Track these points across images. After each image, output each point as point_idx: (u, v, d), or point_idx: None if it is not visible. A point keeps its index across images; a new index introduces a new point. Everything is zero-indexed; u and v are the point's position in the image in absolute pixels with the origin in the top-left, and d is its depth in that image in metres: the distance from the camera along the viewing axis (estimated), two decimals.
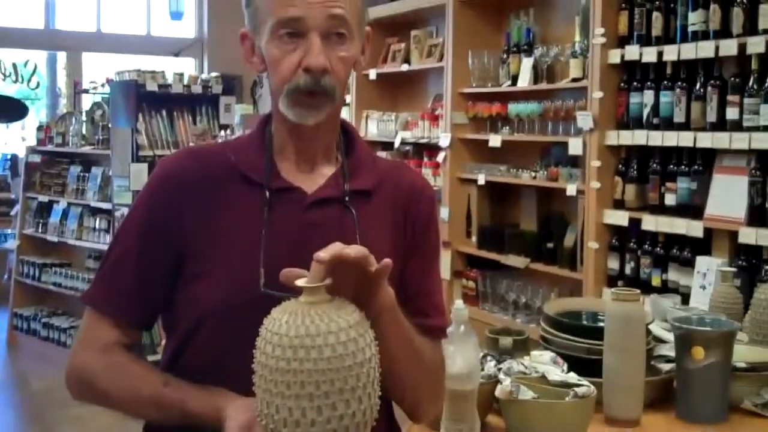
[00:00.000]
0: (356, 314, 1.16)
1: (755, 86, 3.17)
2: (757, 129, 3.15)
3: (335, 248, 1.16)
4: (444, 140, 4.91)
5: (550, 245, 4.31)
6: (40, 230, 6.63)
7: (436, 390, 1.48)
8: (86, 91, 7.41)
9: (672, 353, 2.04)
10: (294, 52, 1.34)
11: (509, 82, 4.58)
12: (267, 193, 1.39)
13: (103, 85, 6.94)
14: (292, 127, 1.41)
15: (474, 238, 4.84)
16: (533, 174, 4.42)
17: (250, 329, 1.25)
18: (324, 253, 1.14)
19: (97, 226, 6.17)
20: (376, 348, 1.16)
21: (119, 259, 1.43)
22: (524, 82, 4.45)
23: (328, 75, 1.35)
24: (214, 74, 6.44)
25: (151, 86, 5.87)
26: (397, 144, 5.47)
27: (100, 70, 7.79)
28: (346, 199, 1.42)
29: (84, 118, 6.58)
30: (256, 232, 1.37)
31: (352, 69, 1.44)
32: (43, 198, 6.63)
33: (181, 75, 6.13)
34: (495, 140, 4.60)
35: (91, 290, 1.46)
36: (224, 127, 6.05)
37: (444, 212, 4.90)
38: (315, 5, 1.33)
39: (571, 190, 4.06)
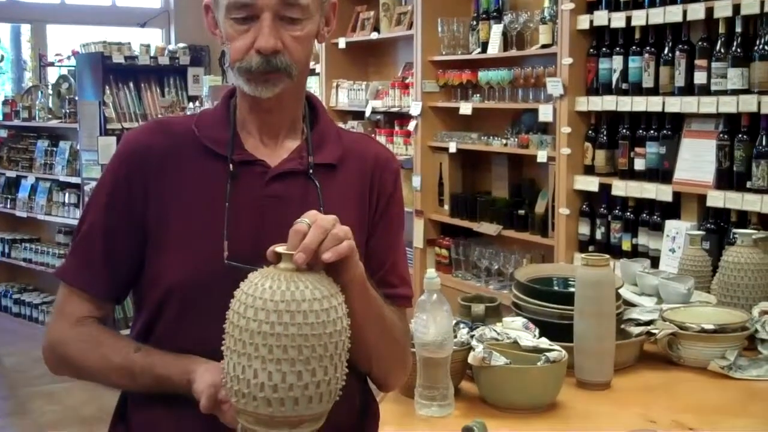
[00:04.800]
0: (334, 284, 1.18)
1: (722, 50, 3.18)
2: (724, 93, 3.17)
3: (312, 215, 1.18)
4: (415, 109, 4.90)
5: (521, 212, 4.33)
6: (8, 206, 6.56)
7: (404, 359, 1.51)
8: (52, 64, 7.29)
9: (642, 317, 2.07)
10: (247, 32, 1.35)
11: (479, 50, 4.57)
12: (230, 166, 1.39)
13: (68, 58, 6.83)
14: (252, 101, 1.41)
15: (446, 207, 4.85)
16: (504, 141, 4.43)
17: (215, 302, 1.25)
18: (302, 224, 1.16)
19: (66, 201, 6.11)
20: (348, 319, 1.17)
21: (87, 233, 1.44)
22: (494, 49, 4.44)
23: (280, 55, 1.35)
24: (181, 45, 6.36)
25: (118, 58, 5.80)
26: (368, 113, 5.45)
27: (66, 42, 7.66)
28: (310, 171, 1.42)
29: (50, 91, 6.49)
30: (219, 205, 1.37)
31: (315, 41, 1.43)
32: (11, 173, 6.55)
33: (148, 46, 6.06)
34: (466, 108, 4.59)
35: (64, 264, 1.47)
36: (193, 98, 5.99)
37: (416, 181, 4.90)
38: None
39: (541, 156, 4.07)
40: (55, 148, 6.26)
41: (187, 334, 1.38)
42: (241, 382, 1.13)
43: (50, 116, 6.38)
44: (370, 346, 1.36)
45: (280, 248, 1.18)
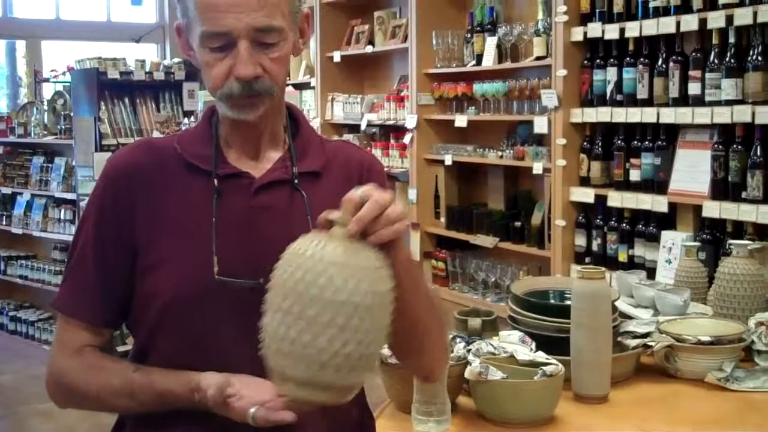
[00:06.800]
0: (382, 257, 1.18)
1: (716, 61, 3.19)
2: (718, 103, 3.17)
3: (369, 189, 1.19)
4: (410, 121, 4.90)
5: (517, 224, 4.33)
6: (4, 222, 6.54)
7: (447, 342, 1.54)
8: (47, 80, 7.29)
9: (638, 329, 2.06)
10: (224, 60, 1.34)
11: (474, 62, 4.58)
12: (215, 181, 1.39)
13: (64, 74, 6.82)
14: (233, 122, 1.41)
15: (442, 219, 4.85)
16: (500, 153, 4.43)
17: (208, 317, 1.24)
18: (356, 194, 1.18)
19: (62, 217, 6.10)
20: (394, 293, 1.18)
21: (79, 260, 1.43)
22: (489, 61, 4.45)
23: (261, 79, 1.35)
24: (176, 60, 6.36)
25: (113, 74, 5.80)
26: (363, 126, 5.45)
27: (61, 58, 7.67)
28: (295, 180, 1.42)
29: (45, 107, 6.49)
30: (206, 220, 1.37)
31: (291, 55, 1.43)
32: (6, 190, 6.53)
33: (143, 62, 6.06)
34: (461, 120, 4.60)
35: (58, 294, 1.46)
36: (188, 113, 5.99)
37: (412, 193, 4.90)
38: (241, 18, 1.31)
39: (537, 168, 4.08)
40: (50, 165, 6.25)
41: (184, 351, 1.37)
42: (284, 342, 1.12)
43: (45, 132, 6.37)
44: (421, 323, 1.36)
45: (334, 215, 1.18)
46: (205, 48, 1.35)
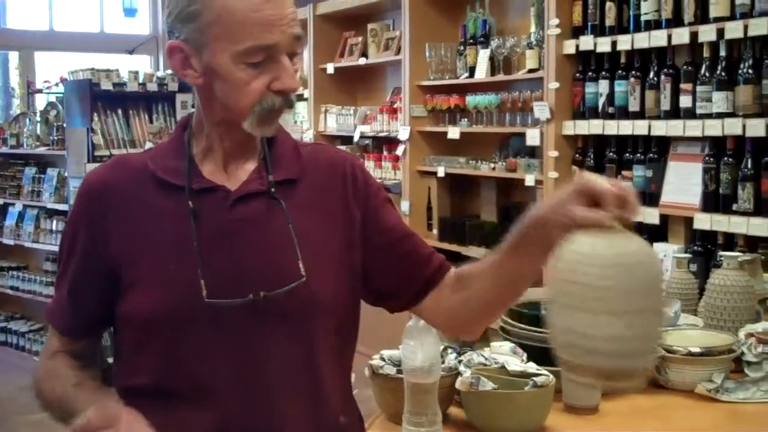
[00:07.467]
0: None
1: (707, 74, 3.21)
2: (709, 116, 3.19)
3: (602, 180, 1.21)
4: (403, 133, 4.91)
5: None
6: None
7: None
8: (40, 91, 7.29)
9: None
10: (261, 74, 1.32)
11: (467, 74, 4.59)
12: (189, 200, 1.36)
13: (57, 85, 6.83)
14: (232, 133, 1.38)
15: (435, 231, 4.86)
16: (492, 165, 4.45)
17: (196, 341, 1.24)
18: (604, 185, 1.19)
19: (54, 228, 6.07)
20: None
21: (60, 272, 1.47)
22: (481, 73, 4.47)
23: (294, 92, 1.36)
24: (169, 71, 6.36)
25: (106, 85, 5.79)
26: (356, 138, 5.46)
27: (54, 69, 7.67)
28: (272, 190, 1.40)
29: (38, 118, 6.47)
30: (184, 237, 1.34)
31: None
32: None
33: (136, 73, 6.05)
34: (454, 132, 4.61)
35: (50, 302, 1.51)
36: None
37: (405, 205, 4.90)
38: (285, 31, 1.31)
39: (529, 180, 4.09)
40: (42, 175, 6.23)
41: (173, 372, 1.35)
42: (581, 338, 1.15)
43: (38, 143, 6.36)
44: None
45: (598, 213, 1.21)
46: (239, 64, 1.31)
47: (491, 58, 4.43)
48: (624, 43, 3.53)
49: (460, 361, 1.82)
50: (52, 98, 6.84)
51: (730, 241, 3.16)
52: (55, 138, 6.14)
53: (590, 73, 3.74)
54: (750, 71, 3.07)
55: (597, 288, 1.14)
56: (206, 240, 1.35)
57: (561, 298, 1.18)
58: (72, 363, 1.45)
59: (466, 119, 4.64)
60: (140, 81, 5.98)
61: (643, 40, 3.45)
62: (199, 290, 1.31)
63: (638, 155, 3.55)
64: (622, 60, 3.59)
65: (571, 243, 1.19)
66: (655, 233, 3.51)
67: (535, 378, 1.74)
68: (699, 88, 3.24)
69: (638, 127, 3.48)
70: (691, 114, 3.28)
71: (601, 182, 1.20)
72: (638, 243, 1.18)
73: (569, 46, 3.80)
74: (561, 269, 1.19)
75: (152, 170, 1.40)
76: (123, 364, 1.42)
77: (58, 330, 1.47)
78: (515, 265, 1.35)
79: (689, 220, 3.31)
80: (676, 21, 3.35)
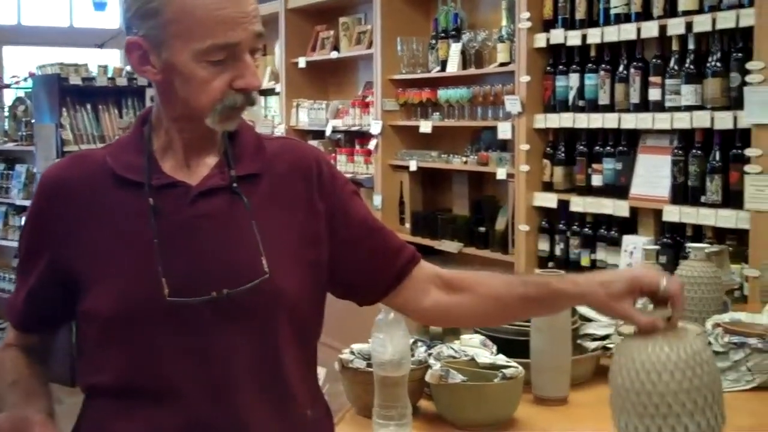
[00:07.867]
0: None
1: (676, 67, 3.23)
2: (678, 109, 3.21)
3: (663, 277, 1.33)
4: (375, 127, 4.91)
5: (482, 229, 4.35)
6: None
7: None
8: (8, 86, 7.19)
9: (597, 331, 2.07)
10: (222, 73, 1.31)
11: (438, 68, 4.59)
12: (150, 196, 1.34)
13: (25, 80, 6.74)
14: (193, 130, 1.37)
15: (407, 225, 4.86)
16: (464, 159, 4.45)
17: (158, 340, 1.23)
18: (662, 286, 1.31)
19: (22, 225, 6.01)
20: None
21: (19, 269, 1.46)
22: (453, 67, 4.47)
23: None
24: None
25: (75, 80, 5.72)
26: (328, 132, 5.45)
27: (22, 64, 7.58)
28: (234, 185, 1.38)
29: (6, 114, 6.40)
30: (144, 235, 1.32)
31: None
32: None
33: (106, 67, 5.99)
34: (426, 126, 4.61)
35: (9, 296, 1.50)
36: None
37: (377, 199, 4.90)
38: (247, 28, 1.30)
39: (501, 174, 4.10)
40: (11, 172, 6.16)
41: (136, 371, 1.33)
42: None
43: (6, 139, 6.29)
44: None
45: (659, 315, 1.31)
46: (200, 62, 1.29)
47: (463, 52, 4.43)
48: (594, 36, 3.55)
49: (429, 354, 1.82)
50: (21, 93, 6.76)
51: (699, 233, 3.19)
52: (24, 134, 6.07)
53: (561, 67, 3.75)
54: (718, 64, 3.10)
55: (674, 392, 1.24)
56: (167, 237, 1.32)
57: (633, 407, 1.27)
58: (22, 357, 1.43)
59: (438, 113, 4.64)
60: (109, 75, 5.93)
61: (613, 34, 3.47)
62: (160, 288, 1.29)
63: (608, 148, 3.57)
64: (592, 53, 3.61)
65: (632, 349, 1.28)
66: (625, 226, 3.53)
67: (504, 370, 1.74)
68: (668, 81, 3.26)
69: (608, 120, 3.50)
70: (660, 107, 3.30)
71: (659, 282, 1.30)
72: (691, 332, 1.28)
73: (540, 40, 3.81)
74: (628, 377, 1.28)
75: (111, 166, 1.38)
76: (86, 361, 1.40)
77: (12, 324, 1.46)
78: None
79: (658, 213, 3.33)
80: (646, 14, 3.37)
